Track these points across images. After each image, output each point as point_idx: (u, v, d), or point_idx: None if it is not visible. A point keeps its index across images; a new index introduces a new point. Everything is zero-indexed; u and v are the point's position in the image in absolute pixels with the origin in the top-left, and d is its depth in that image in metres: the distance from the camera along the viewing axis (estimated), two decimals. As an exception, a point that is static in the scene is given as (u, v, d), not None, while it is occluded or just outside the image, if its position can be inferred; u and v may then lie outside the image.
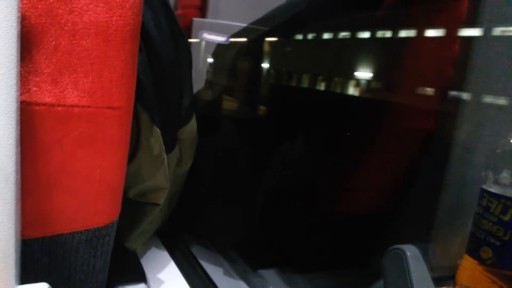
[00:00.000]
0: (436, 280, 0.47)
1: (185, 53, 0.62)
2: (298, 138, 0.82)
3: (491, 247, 0.49)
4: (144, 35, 0.47)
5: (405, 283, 0.46)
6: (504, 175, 0.49)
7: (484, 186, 0.51)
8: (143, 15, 0.42)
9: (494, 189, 0.49)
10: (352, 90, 0.82)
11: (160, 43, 0.52)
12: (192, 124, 0.66)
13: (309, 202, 0.80)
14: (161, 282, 0.58)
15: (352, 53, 0.85)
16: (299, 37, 0.90)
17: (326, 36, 0.87)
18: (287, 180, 0.82)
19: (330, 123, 0.81)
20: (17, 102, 0.32)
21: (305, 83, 0.92)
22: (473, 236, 0.51)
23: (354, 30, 0.81)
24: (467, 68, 0.63)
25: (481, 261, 0.50)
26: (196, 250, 0.74)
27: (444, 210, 0.64)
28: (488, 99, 0.62)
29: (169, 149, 0.58)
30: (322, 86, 0.89)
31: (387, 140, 0.74)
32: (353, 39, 0.82)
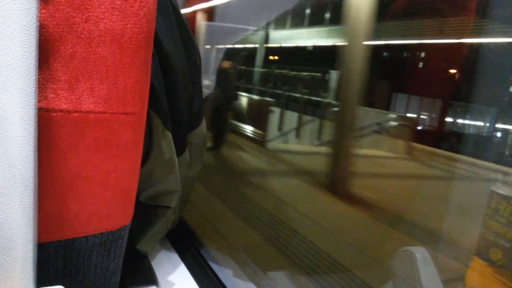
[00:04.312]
0: (446, 282, 0.47)
1: (194, 57, 0.63)
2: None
3: (501, 249, 0.49)
4: (156, 41, 0.48)
5: (414, 285, 0.46)
6: (513, 177, 0.49)
7: (494, 188, 0.51)
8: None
9: (503, 191, 0.49)
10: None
11: (170, 49, 0.52)
12: (202, 128, 0.66)
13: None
14: (171, 284, 0.59)
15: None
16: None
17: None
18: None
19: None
20: (35, 109, 0.33)
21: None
22: (482, 238, 0.51)
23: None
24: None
25: (491, 262, 0.50)
26: (206, 253, 0.74)
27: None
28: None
29: (179, 153, 0.59)
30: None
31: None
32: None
